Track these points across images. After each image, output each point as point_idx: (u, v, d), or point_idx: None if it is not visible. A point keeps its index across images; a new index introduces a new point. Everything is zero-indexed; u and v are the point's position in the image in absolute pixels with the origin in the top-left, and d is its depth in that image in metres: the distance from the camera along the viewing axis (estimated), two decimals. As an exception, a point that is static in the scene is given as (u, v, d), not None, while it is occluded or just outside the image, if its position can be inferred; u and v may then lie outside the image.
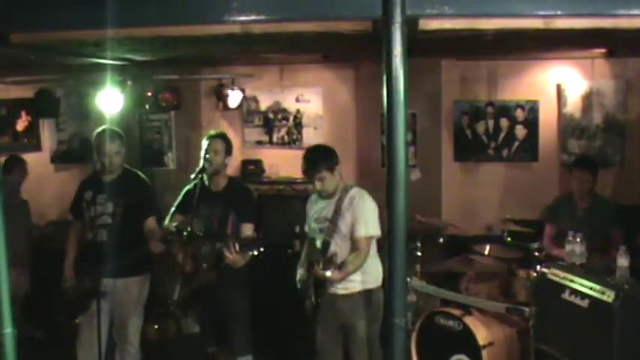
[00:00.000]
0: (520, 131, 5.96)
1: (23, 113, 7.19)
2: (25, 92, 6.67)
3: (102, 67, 5.35)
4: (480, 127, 6.07)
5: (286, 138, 6.59)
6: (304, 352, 4.12)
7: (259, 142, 6.68)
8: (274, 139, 6.63)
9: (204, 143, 4.23)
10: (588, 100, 5.77)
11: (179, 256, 4.03)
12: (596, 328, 3.55)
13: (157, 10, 2.06)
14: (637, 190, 5.68)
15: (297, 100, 6.51)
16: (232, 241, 3.80)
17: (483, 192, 6.10)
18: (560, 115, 5.87)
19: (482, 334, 4.22)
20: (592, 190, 5.07)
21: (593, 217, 4.95)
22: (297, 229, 5.23)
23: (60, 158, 7.23)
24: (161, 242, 4.09)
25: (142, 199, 4.42)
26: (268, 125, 6.62)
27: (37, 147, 7.23)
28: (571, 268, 3.90)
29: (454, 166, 6.17)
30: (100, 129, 4.42)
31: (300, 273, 4.13)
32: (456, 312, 4.38)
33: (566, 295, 3.76)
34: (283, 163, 6.49)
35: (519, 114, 5.95)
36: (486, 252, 5.00)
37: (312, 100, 6.46)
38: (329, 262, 3.70)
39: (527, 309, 4.04)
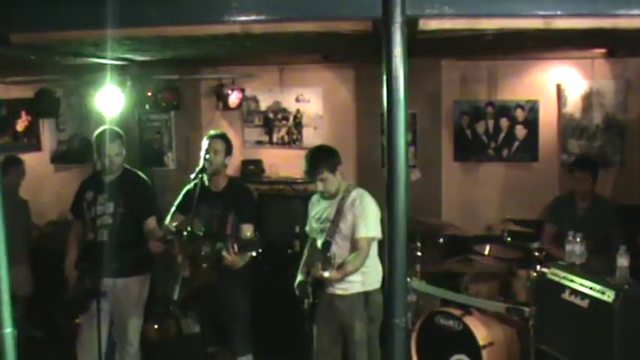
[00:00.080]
0: (520, 131, 5.96)
1: (23, 113, 7.18)
2: (25, 92, 6.66)
3: (102, 67, 5.35)
4: (480, 127, 6.07)
5: (286, 138, 6.59)
6: (304, 352, 4.12)
7: (259, 142, 6.68)
8: (274, 139, 6.62)
9: (205, 143, 4.23)
10: (588, 100, 5.77)
11: (179, 256, 4.03)
12: (596, 328, 3.55)
13: (156, 10, 2.06)
14: (637, 190, 5.68)
15: (297, 100, 6.50)
16: (231, 242, 3.80)
17: (483, 192, 6.10)
18: (560, 115, 5.87)
19: (482, 334, 4.22)
20: (592, 190, 5.07)
21: (593, 217, 4.96)
22: (297, 229, 5.25)
23: (60, 158, 7.23)
24: (161, 242, 4.09)
25: (142, 199, 4.43)
26: (268, 125, 6.61)
27: (37, 147, 7.23)
28: (571, 268, 3.91)
29: (454, 166, 6.17)
30: (100, 129, 4.43)
31: (298, 279, 4.11)
32: (456, 312, 4.38)
33: (566, 295, 3.77)
34: (283, 163, 6.49)
35: (519, 114, 5.94)
36: (486, 252, 5.00)
37: (312, 100, 6.46)
38: (327, 263, 3.70)
39: (527, 309, 4.04)
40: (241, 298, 4.27)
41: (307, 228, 4.25)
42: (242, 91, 6.35)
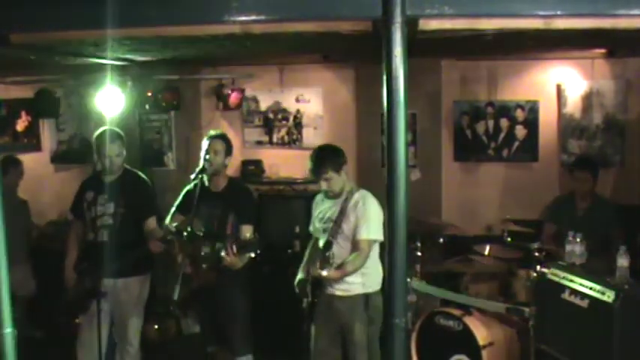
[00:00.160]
0: (520, 131, 5.96)
1: (23, 113, 7.18)
2: (25, 92, 6.66)
3: (102, 67, 5.35)
4: (480, 127, 6.07)
5: (286, 138, 6.58)
6: (304, 353, 4.12)
7: (259, 142, 6.67)
8: (274, 139, 6.62)
9: (205, 143, 4.23)
10: (588, 100, 5.77)
11: (179, 257, 4.03)
12: (596, 328, 3.55)
13: (157, 10, 2.06)
14: (637, 190, 5.68)
15: (297, 100, 6.50)
16: (230, 243, 3.80)
17: (483, 192, 6.10)
18: (560, 115, 5.87)
19: (482, 334, 4.22)
20: (592, 190, 5.07)
21: (593, 217, 4.96)
22: (297, 229, 5.25)
23: (60, 158, 7.23)
24: (161, 242, 4.09)
25: (142, 200, 4.43)
26: (268, 125, 6.61)
27: (37, 147, 7.23)
28: (571, 268, 3.91)
29: (454, 166, 6.17)
30: (100, 130, 4.43)
31: (298, 278, 4.11)
32: (456, 312, 4.38)
33: (566, 295, 3.76)
34: (283, 163, 6.49)
35: (519, 114, 5.94)
36: (486, 252, 5.00)
37: (312, 100, 6.45)
38: (326, 262, 3.69)
39: (527, 309, 4.04)
40: (241, 298, 4.28)
41: (311, 228, 4.25)
42: (242, 91, 6.35)
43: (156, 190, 4.88)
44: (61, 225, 6.29)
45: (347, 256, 3.88)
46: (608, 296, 3.50)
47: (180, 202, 4.32)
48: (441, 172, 6.13)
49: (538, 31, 3.56)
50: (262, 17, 2.04)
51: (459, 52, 5.58)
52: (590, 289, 3.62)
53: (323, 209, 4.10)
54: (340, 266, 3.80)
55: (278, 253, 5.50)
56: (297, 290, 4.06)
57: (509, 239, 4.99)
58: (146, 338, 4.99)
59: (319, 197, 4.20)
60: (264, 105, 6.60)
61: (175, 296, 3.88)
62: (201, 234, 3.97)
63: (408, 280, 4.48)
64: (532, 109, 5.91)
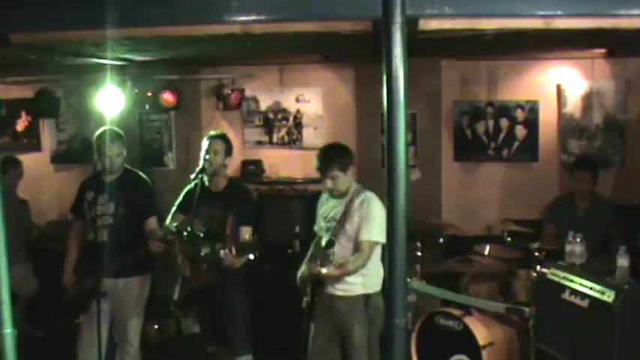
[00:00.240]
0: (520, 131, 5.96)
1: (23, 113, 7.19)
2: (25, 92, 6.66)
3: (102, 67, 5.35)
4: (480, 127, 6.07)
5: (286, 138, 6.58)
6: (304, 353, 4.12)
7: (259, 142, 6.68)
8: (274, 139, 6.62)
9: (205, 143, 4.23)
10: (588, 100, 5.77)
11: (179, 257, 4.03)
12: (596, 328, 3.55)
13: (157, 10, 2.06)
14: (637, 190, 5.68)
15: (297, 100, 6.50)
16: (229, 245, 3.81)
17: (483, 192, 6.10)
18: (560, 115, 5.87)
19: (482, 334, 4.22)
20: (592, 190, 5.07)
21: (593, 217, 4.96)
22: (297, 229, 5.25)
23: (60, 158, 7.23)
24: (161, 242, 4.09)
25: (142, 200, 4.43)
26: (268, 125, 6.61)
27: (37, 147, 7.23)
28: (571, 268, 3.90)
29: (454, 166, 6.18)
30: (100, 130, 4.43)
31: (301, 270, 4.11)
32: (456, 312, 4.38)
33: (566, 295, 3.76)
34: (283, 163, 6.49)
35: (519, 114, 5.95)
36: (486, 252, 5.00)
37: (312, 100, 6.46)
38: (326, 260, 3.69)
39: (527, 309, 4.04)
40: (241, 298, 4.28)
41: (316, 226, 4.24)
42: (242, 91, 6.35)
43: (156, 190, 4.89)
44: (61, 225, 6.29)
45: (348, 257, 3.88)
46: (608, 296, 3.50)
47: (181, 202, 4.33)
48: (441, 172, 6.13)
49: (538, 31, 3.57)
50: (262, 17, 2.04)
51: (459, 52, 5.58)
52: (590, 289, 3.62)
53: (327, 208, 4.10)
54: (340, 265, 3.80)
55: (278, 253, 5.49)
56: (298, 283, 4.06)
57: (509, 239, 4.99)
58: (146, 338, 4.99)
59: (324, 196, 4.19)
60: (264, 105, 6.60)
61: (175, 296, 3.88)
62: (202, 234, 3.97)
63: (408, 280, 4.48)
64: (532, 109, 5.91)
